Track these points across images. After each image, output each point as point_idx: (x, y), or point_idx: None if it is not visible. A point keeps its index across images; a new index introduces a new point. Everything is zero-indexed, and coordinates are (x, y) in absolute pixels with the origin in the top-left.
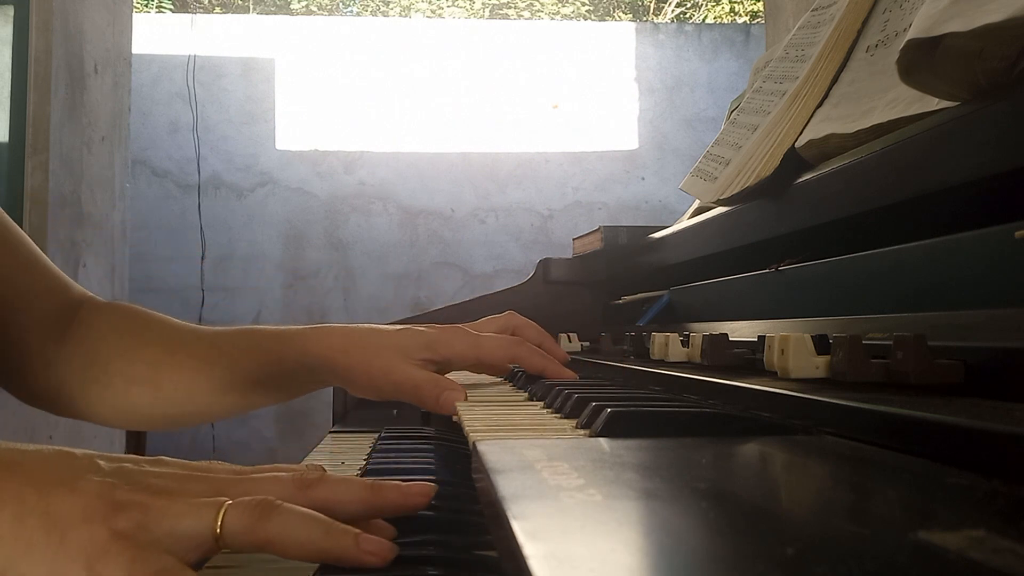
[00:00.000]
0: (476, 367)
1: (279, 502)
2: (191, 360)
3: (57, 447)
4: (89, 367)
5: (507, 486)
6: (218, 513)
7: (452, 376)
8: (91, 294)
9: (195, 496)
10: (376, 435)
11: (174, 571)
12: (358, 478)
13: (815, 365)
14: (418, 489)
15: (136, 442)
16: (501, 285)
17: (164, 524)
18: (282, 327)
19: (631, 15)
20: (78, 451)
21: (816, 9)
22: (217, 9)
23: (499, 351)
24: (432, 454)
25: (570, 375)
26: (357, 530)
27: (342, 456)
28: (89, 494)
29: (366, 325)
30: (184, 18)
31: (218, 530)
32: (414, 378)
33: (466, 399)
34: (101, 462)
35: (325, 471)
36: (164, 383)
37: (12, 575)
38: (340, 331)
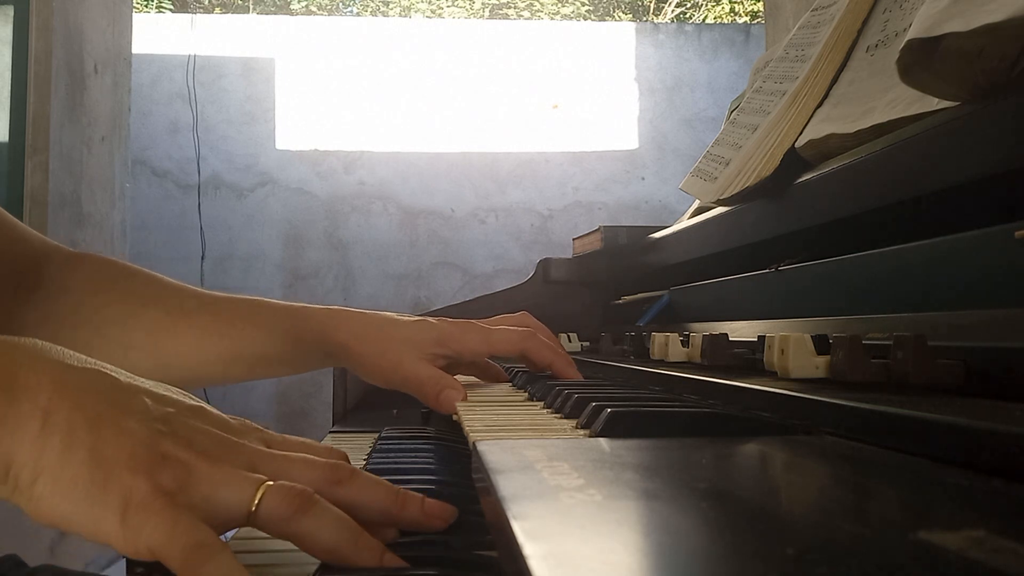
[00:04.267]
0: (483, 374)
1: (317, 498)
2: (194, 329)
3: (100, 366)
4: (74, 330)
5: (507, 486)
6: (256, 492)
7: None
8: (56, 244)
9: (234, 464)
10: (376, 435)
11: (212, 548)
12: (388, 483)
13: (815, 365)
14: (439, 511)
15: None
16: (501, 285)
17: (203, 489)
18: (296, 304)
19: (631, 15)
20: (122, 376)
21: (816, 9)
22: (217, 9)
23: (509, 344)
24: (432, 454)
25: (576, 374)
26: (383, 545)
27: None
28: (136, 439)
29: (382, 314)
30: (184, 18)
31: (253, 509)
32: (420, 374)
33: (466, 399)
34: (147, 400)
35: (348, 459)
36: (165, 352)
37: (48, 505)
38: (358, 318)
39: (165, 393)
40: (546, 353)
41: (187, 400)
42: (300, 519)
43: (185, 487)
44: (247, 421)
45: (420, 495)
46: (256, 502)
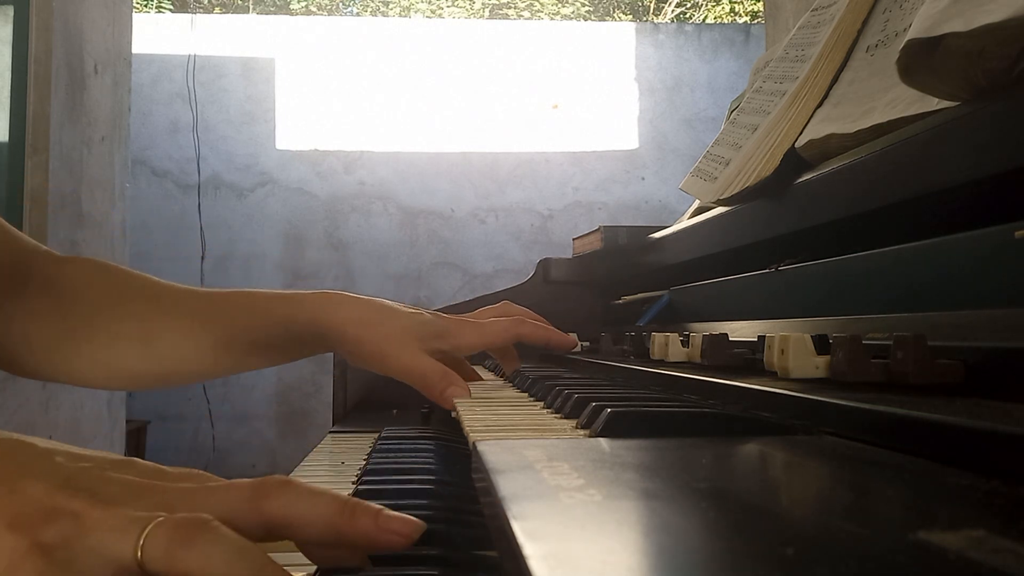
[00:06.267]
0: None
1: (213, 524)
2: (184, 317)
3: (23, 437)
4: (65, 319)
5: (507, 486)
6: (141, 534)
7: None
8: (45, 248)
9: (142, 508)
10: (376, 435)
11: None
12: (332, 493)
13: (815, 365)
14: (398, 526)
15: (136, 441)
16: (501, 285)
17: (89, 540)
18: (287, 291)
19: (631, 15)
20: (42, 443)
21: (816, 9)
22: (217, 9)
23: (505, 334)
24: (432, 454)
25: (572, 341)
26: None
27: (342, 456)
28: (26, 497)
29: (379, 301)
30: (184, 18)
31: (139, 553)
32: (423, 366)
33: (470, 395)
34: (59, 459)
35: (293, 480)
36: (155, 340)
37: None
38: (355, 303)
39: (86, 452)
40: (540, 333)
41: (112, 456)
42: (184, 553)
43: (70, 541)
44: (193, 470)
45: (377, 507)
46: (140, 545)
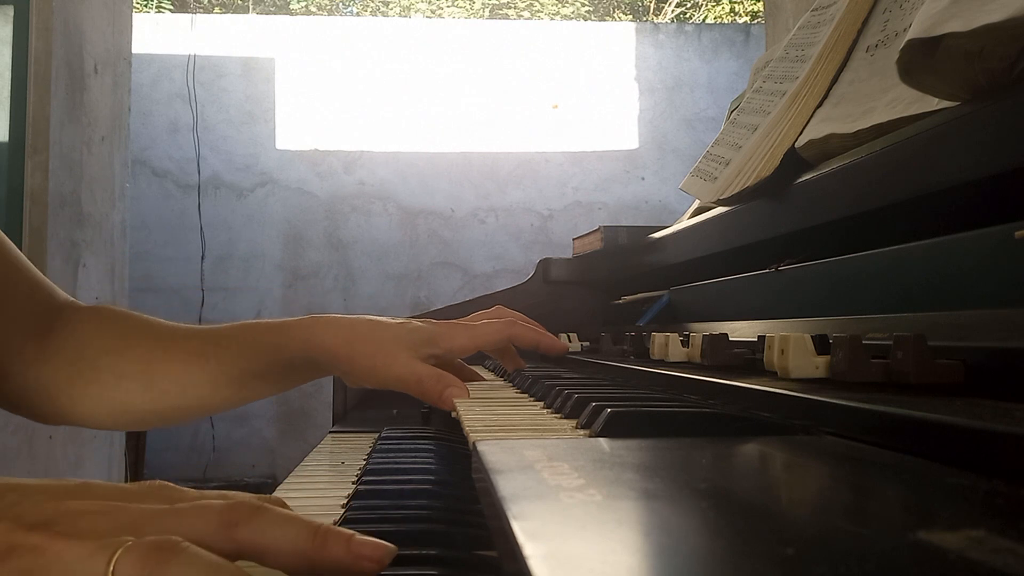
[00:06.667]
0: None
1: (184, 545)
2: (184, 354)
3: None
4: (74, 363)
5: (507, 486)
6: (111, 558)
7: None
8: (73, 299)
9: (105, 533)
10: (376, 435)
11: None
12: (303, 519)
13: (815, 365)
14: (370, 551)
15: (136, 441)
16: (501, 285)
17: (55, 571)
18: (279, 319)
19: (631, 15)
20: (2, 481)
21: (816, 9)
22: (217, 9)
23: (495, 335)
24: (432, 454)
25: (563, 346)
26: None
27: (342, 456)
28: None
29: (365, 317)
30: (184, 18)
31: None
32: (417, 372)
33: (468, 396)
34: (12, 495)
35: (265, 505)
36: (156, 377)
37: None
38: (342, 322)
39: (38, 483)
40: (531, 335)
41: (68, 482)
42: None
43: (32, 574)
44: (157, 482)
45: (349, 532)
46: (111, 571)
